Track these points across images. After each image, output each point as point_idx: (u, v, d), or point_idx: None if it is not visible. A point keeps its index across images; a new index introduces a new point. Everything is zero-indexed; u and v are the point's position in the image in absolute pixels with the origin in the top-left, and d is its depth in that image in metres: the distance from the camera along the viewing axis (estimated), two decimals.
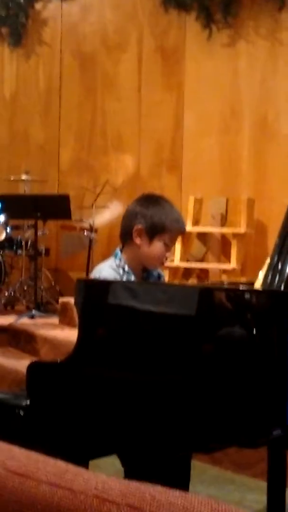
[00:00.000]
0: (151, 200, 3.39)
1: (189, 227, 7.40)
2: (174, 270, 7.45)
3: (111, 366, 2.76)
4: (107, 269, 3.32)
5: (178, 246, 7.34)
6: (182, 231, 3.51)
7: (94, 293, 2.88)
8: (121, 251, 3.39)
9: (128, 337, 2.73)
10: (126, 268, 3.34)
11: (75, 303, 3.00)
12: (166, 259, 3.38)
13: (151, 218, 3.29)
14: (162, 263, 3.41)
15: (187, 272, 7.59)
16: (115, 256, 3.38)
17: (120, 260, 3.36)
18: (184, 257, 7.52)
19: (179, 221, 3.37)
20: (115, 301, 2.76)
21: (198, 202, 7.85)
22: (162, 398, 2.62)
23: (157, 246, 3.30)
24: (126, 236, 3.37)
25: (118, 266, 3.35)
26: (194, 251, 7.81)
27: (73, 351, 2.85)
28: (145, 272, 3.43)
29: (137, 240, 3.31)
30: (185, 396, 2.58)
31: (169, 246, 3.34)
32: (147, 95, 8.80)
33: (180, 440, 2.67)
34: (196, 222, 7.74)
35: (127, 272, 3.34)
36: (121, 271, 3.34)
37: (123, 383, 2.71)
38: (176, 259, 7.38)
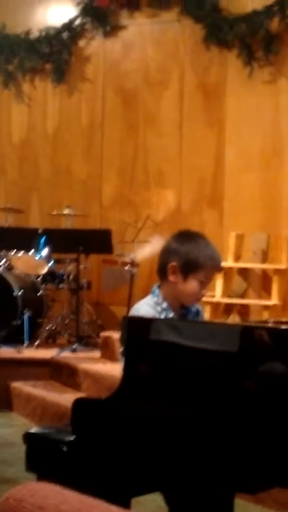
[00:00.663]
0: (186, 237, 3.38)
1: (230, 263, 7.41)
2: (215, 306, 7.45)
3: (155, 403, 2.76)
4: (145, 307, 3.30)
5: (219, 282, 7.35)
6: (217, 268, 3.44)
7: (138, 330, 2.90)
8: (159, 287, 3.38)
9: (171, 374, 2.74)
10: (164, 305, 3.33)
11: (120, 339, 3.02)
12: (203, 295, 3.36)
13: (185, 255, 3.27)
14: (198, 300, 3.39)
15: (228, 308, 7.59)
16: (153, 293, 3.37)
17: (157, 297, 3.35)
18: (225, 293, 7.53)
19: (213, 258, 3.33)
20: (158, 338, 2.78)
21: (239, 238, 7.87)
22: (205, 435, 2.63)
23: (192, 283, 3.28)
24: (162, 273, 3.36)
25: (156, 303, 3.33)
26: (235, 287, 7.81)
27: (118, 387, 2.86)
28: (183, 309, 3.41)
29: (172, 278, 3.29)
30: (228, 434, 2.59)
31: (204, 283, 3.30)
32: (188, 131, 8.85)
33: (224, 480, 2.67)
34: (237, 258, 7.75)
35: (165, 309, 3.32)
36: (159, 308, 3.32)
37: (167, 420, 2.72)
38: (217, 294, 7.38)
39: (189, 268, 3.27)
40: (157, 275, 3.40)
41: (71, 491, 1.34)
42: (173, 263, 3.29)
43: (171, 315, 3.31)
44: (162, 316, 3.27)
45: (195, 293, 3.31)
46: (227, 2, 8.58)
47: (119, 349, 3.39)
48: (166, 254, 3.36)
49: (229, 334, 2.66)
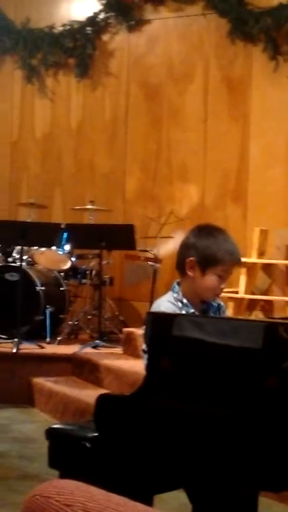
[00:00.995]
0: (204, 231, 3.35)
1: (253, 259, 7.36)
2: (238, 302, 7.40)
3: (178, 400, 2.74)
4: (166, 303, 3.28)
5: (242, 278, 7.30)
6: (236, 263, 3.39)
7: (162, 326, 2.87)
8: (179, 283, 3.37)
9: (195, 371, 2.71)
10: (185, 300, 3.31)
11: (144, 336, 2.99)
12: (221, 290, 3.34)
13: (203, 250, 3.26)
14: (217, 295, 3.36)
15: (252, 304, 7.54)
16: (173, 290, 3.36)
17: (177, 293, 3.33)
18: (249, 289, 7.47)
19: (232, 252, 3.30)
20: (182, 334, 2.75)
21: (263, 233, 7.81)
22: (228, 432, 2.60)
23: (211, 278, 3.26)
24: (180, 268, 3.34)
25: (176, 299, 3.32)
26: (259, 283, 7.76)
27: (142, 384, 2.84)
28: (204, 304, 3.39)
29: (190, 272, 3.28)
30: (251, 431, 2.56)
31: (223, 278, 3.28)
32: (212, 125, 8.81)
33: (248, 477, 2.63)
34: (261, 254, 7.69)
35: (186, 305, 3.31)
36: (179, 304, 3.31)
37: (191, 417, 2.69)
38: (240, 290, 7.33)
39: (207, 262, 3.26)
40: (177, 270, 3.36)
41: (97, 488, 1.31)
42: (191, 258, 3.28)
43: (191, 311, 3.30)
44: (183, 312, 3.25)
45: (214, 288, 3.29)
46: None
47: (141, 345, 3.35)
48: (184, 249, 3.35)
49: (253, 330, 2.63)
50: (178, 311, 3.25)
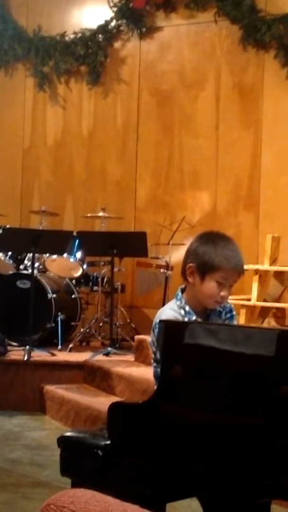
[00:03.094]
0: (205, 238, 3.33)
1: (266, 266, 7.33)
2: (250, 309, 7.37)
3: (191, 408, 2.72)
4: (167, 312, 3.27)
5: (255, 285, 7.26)
6: (235, 269, 3.29)
7: (174, 334, 2.85)
8: (183, 291, 3.36)
9: (208, 378, 2.69)
10: (187, 308, 3.30)
11: (157, 343, 2.97)
12: (223, 298, 3.29)
13: (201, 256, 3.25)
14: (218, 302, 3.31)
15: (264, 311, 7.50)
16: (176, 297, 3.35)
17: (180, 300, 3.33)
18: (261, 296, 7.44)
19: (230, 259, 3.25)
20: (194, 341, 2.73)
21: (276, 240, 7.77)
22: (241, 440, 2.58)
23: (209, 284, 3.24)
24: (183, 274, 3.34)
25: (179, 307, 3.31)
26: (271, 290, 7.72)
27: (154, 391, 2.82)
28: (207, 309, 3.37)
29: (191, 279, 3.28)
30: (264, 439, 2.54)
31: (223, 285, 3.25)
32: (224, 132, 8.80)
33: (261, 485, 2.61)
34: (273, 261, 7.66)
35: (188, 312, 3.30)
36: (182, 312, 3.30)
37: (203, 425, 2.67)
38: (253, 298, 7.30)
39: (205, 268, 3.25)
40: (181, 277, 3.36)
41: (112, 498, 1.30)
42: (191, 264, 3.28)
43: (193, 318, 3.29)
44: (185, 320, 3.23)
45: (213, 294, 3.26)
46: (265, 2, 8.52)
47: (152, 353, 3.33)
48: (186, 256, 3.35)
49: (266, 338, 2.61)
50: (180, 319, 3.24)
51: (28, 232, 8.04)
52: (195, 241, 3.35)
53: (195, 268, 3.27)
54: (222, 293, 3.26)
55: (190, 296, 3.33)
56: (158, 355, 3.20)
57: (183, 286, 3.39)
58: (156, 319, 3.28)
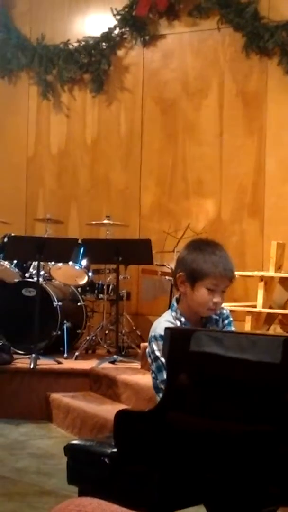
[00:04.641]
0: (192, 246, 3.32)
1: (271, 273, 7.33)
2: (256, 316, 7.36)
3: (197, 415, 2.72)
4: (164, 324, 3.21)
5: (260, 291, 7.27)
6: (223, 274, 3.25)
7: (180, 341, 2.85)
8: (178, 301, 3.35)
9: (214, 386, 2.69)
10: (183, 319, 3.30)
11: (163, 351, 2.97)
12: (216, 305, 3.27)
13: (190, 265, 3.25)
14: (211, 309, 3.29)
15: (270, 318, 7.49)
16: (171, 308, 3.35)
17: (176, 311, 3.33)
18: (267, 302, 7.43)
19: (218, 265, 3.23)
20: (200, 349, 2.73)
21: (280, 247, 7.77)
22: (248, 447, 2.58)
23: (200, 291, 3.23)
24: (175, 284, 3.34)
25: (174, 318, 3.31)
26: (277, 297, 7.72)
27: (161, 399, 2.82)
28: (204, 318, 3.36)
29: (182, 288, 3.28)
30: (271, 446, 2.54)
31: (213, 291, 3.23)
32: (228, 140, 8.80)
33: (269, 493, 2.61)
34: (278, 268, 7.65)
35: (184, 324, 3.30)
36: (178, 323, 3.29)
37: (210, 432, 2.67)
38: (258, 304, 7.30)
39: (194, 276, 3.24)
40: (174, 287, 3.36)
41: (119, 506, 1.29)
42: (181, 273, 3.29)
43: None
44: None
45: (205, 302, 3.25)
46: (267, 9, 8.53)
47: (149, 364, 3.32)
48: (176, 265, 3.37)
49: (271, 345, 2.60)
50: None
51: (33, 240, 8.04)
52: (183, 249, 3.35)
53: (185, 277, 3.26)
54: (215, 300, 3.25)
55: (185, 306, 3.32)
56: (153, 367, 3.21)
57: (177, 296, 3.38)
58: (152, 332, 3.28)
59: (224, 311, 3.43)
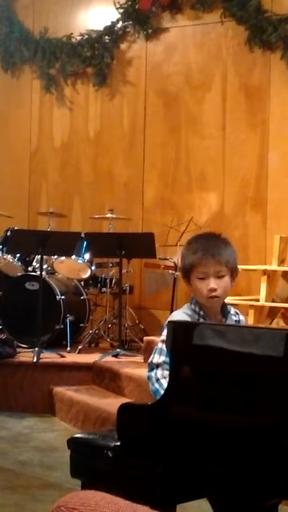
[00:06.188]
0: (186, 244, 3.41)
1: (274, 266, 7.32)
2: (259, 310, 7.36)
3: (200, 408, 2.72)
4: (180, 315, 3.30)
5: (263, 285, 7.26)
6: (203, 258, 3.27)
7: (183, 335, 2.85)
8: None
9: (217, 379, 2.70)
10: (202, 313, 3.33)
11: (166, 345, 2.98)
12: (211, 290, 3.27)
13: (181, 262, 3.36)
14: (211, 297, 3.29)
15: (273, 312, 7.49)
16: (191, 301, 3.38)
17: (195, 305, 3.35)
18: (269, 296, 7.43)
19: (198, 251, 3.28)
20: (203, 342, 2.73)
21: (283, 241, 7.76)
22: (252, 441, 2.58)
23: (195, 283, 3.30)
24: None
25: (193, 311, 3.34)
26: (280, 291, 7.71)
27: (165, 393, 2.83)
28: (223, 314, 3.39)
29: (188, 286, 3.39)
30: (274, 439, 2.54)
31: (203, 279, 3.27)
32: (231, 133, 8.79)
33: (273, 486, 2.62)
34: (281, 261, 7.65)
35: (203, 317, 3.32)
36: (196, 316, 3.32)
37: (213, 425, 2.67)
38: (261, 298, 7.29)
39: (185, 271, 3.33)
40: None
41: (122, 499, 1.30)
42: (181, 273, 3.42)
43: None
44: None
45: (201, 291, 3.29)
46: (271, 3, 8.52)
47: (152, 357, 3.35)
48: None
49: (274, 338, 2.61)
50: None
51: (36, 233, 8.05)
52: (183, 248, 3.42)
53: (182, 275, 3.37)
54: (210, 286, 3.27)
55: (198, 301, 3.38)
56: (155, 359, 3.25)
57: None
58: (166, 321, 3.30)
59: (241, 317, 3.49)
